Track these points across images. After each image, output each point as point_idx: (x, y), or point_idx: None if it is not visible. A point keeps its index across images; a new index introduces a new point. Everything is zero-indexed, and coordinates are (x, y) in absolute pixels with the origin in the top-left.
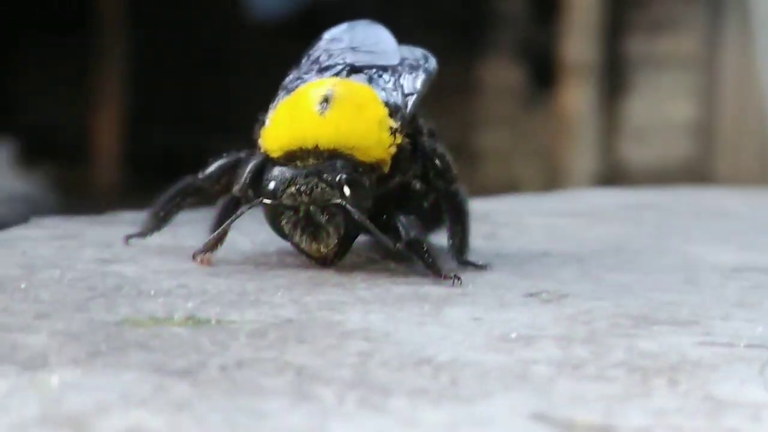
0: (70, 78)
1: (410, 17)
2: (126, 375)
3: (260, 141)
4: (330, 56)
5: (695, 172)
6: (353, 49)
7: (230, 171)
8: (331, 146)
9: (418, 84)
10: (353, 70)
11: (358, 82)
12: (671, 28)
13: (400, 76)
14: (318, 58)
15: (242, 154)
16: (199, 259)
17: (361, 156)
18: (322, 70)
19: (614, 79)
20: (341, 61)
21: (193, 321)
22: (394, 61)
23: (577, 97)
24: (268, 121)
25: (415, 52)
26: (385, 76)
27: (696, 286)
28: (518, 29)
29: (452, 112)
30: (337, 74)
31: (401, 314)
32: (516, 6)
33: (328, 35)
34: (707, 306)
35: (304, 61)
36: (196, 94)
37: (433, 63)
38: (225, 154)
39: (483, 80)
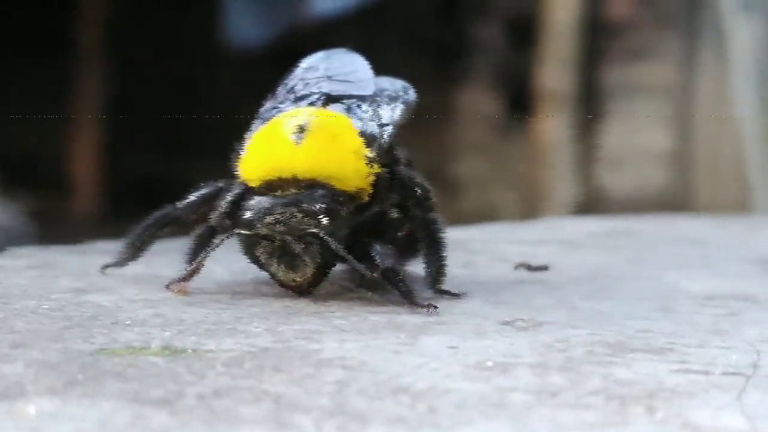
0: (46, 107)
1: (388, 44)
2: (104, 404)
3: (238, 171)
4: (306, 85)
5: (672, 200)
6: (329, 77)
7: (209, 201)
8: (309, 176)
9: (396, 114)
10: (330, 99)
11: (334, 111)
12: (648, 57)
13: (378, 106)
14: (294, 87)
15: (221, 184)
16: (174, 289)
17: (339, 185)
18: (298, 99)
19: (591, 107)
20: (317, 90)
21: (170, 350)
22: (370, 91)
23: (554, 125)
24: (244, 151)
25: (396, 84)
26: (364, 106)
27: (671, 313)
28: (495, 57)
29: (429, 140)
30: (312, 103)
31: (377, 343)
32: (493, 33)
33: (304, 64)
34: (683, 333)
35: (280, 89)
36: (173, 123)
37: (412, 95)
38: (203, 184)
39: (460, 107)
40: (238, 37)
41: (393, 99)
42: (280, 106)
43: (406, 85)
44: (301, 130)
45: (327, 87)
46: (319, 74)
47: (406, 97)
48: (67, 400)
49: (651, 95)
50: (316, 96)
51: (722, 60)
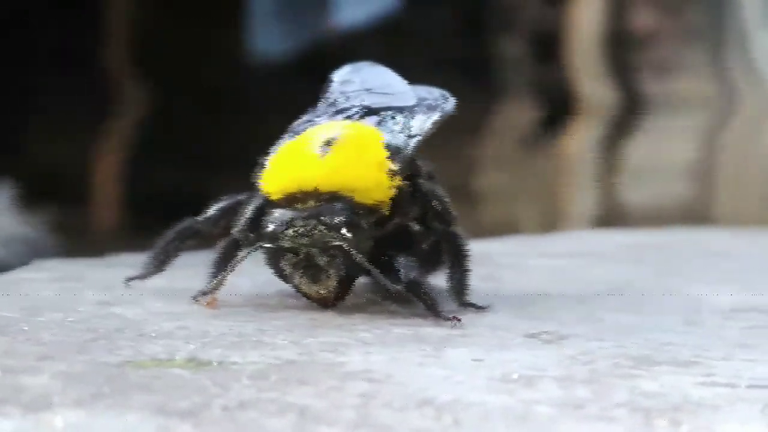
0: (71, 119)
1: (411, 57)
2: (129, 416)
3: (260, 183)
4: (347, 99)
5: (696, 212)
6: (369, 90)
7: (230, 213)
8: (331, 188)
9: (428, 124)
10: (369, 112)
11: (367, 124)
12: (673, 70)
13: (413, 116)
14: (335, 100)
15: (242, 197)
16: (204, 301)
17: (361, 198)
18: (337, 113)
19: (615, 120)
20: (358, 103)
21: (195, 363)
22: (412, 101)
23: (578, 138)
24: (268, 164)
25: (433, 92)
26: (398, 117)
27: (696, 326)
28: (519, 70)
29: (452, 153)
30: (350, 117)
31: (402, 355)
32: (517, 47)
33: (337, 78)
34: (708, 346)
35: (321, 103)
36: (197, 136)
37: (451, 103)
38: (224, 197)
39: (483, 121)
40: (263, 50)
41: (431, 108)
42: (316, 119)
43: (445, 93)
44: (328, 143)
45: (368, 100)
46: (356, 87)
47: (444, 105)
48: (93, 412)
49: (676, 108)
50: (356, 109)
51: (749, 72)
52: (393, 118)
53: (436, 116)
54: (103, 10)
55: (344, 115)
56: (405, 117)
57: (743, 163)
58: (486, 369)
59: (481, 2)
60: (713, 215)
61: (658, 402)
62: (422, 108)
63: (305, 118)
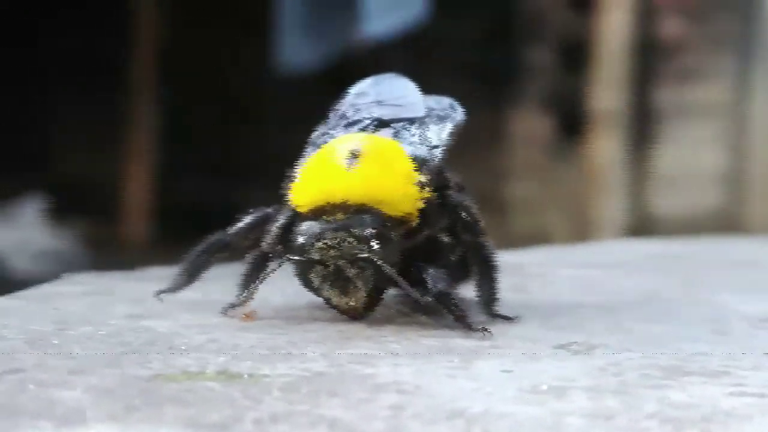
0: (100, 132)
1: (438, 67)
2: (162, 430)
3: (289, 196)
4: (357, 111)
5: (726, 221)
6: (379, 102)
7: (259, 226)
8: (359, 201)
9: (444, 135)
10: (381, 124)
11: (384, 136)
12: (700, 77)
13: (426, 128)
14: (345, 113)
15: (270, 210)
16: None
17: (389, 210)
18: (349, 125)
19: (643, 128)
20: (368, 116)
21: (226, 375)
22: (420, 113)
23: (607, 147)
24: (296, 177)
25: (443, 102)
26: (412, 129)
27: (726, 336)
28: (547, 79)
29: (480, 163)
30: (364, 129)
31: (431, 367)
32: (544, 56)
33: (354, 90)
34: (738, 356)
35: (331, 116)
36: (226, 149)
37: (460, 112)
38: (253, 210)
39: (511, 130)
40: (290, 62)
41: (441, 119)
42: (331, 132)
43: (453, 102)
44: (354, 155)
45: (378, 112)
46: (369, 99)
47: (454, 115)
48: (126, 425)
49: (704, 116)
50: (368, 121)
51: None
52: (407, 129)
53: (449, 126)
54: (129, 21)
55: (357, 127)
56: (418, 128)
57: None
58: (515, 380)
59: (508, 11)
60: (744, 223)
61: (688, 413)
62: (432, 118)
63: (320, 131)
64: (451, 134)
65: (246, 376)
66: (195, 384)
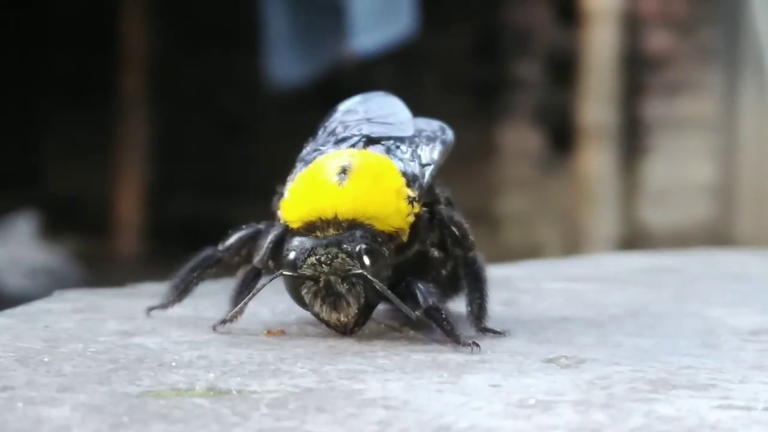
0: (91, 149)
1: (429, 82)
2: None
3: (279, 212)
4: (346, 128)
5: (716, 234)
6: (368, 120)
7: (250, 242)
8: (350, 216)
9: (435, 155)
10: (370, 141)
11: (375, 152)
12: (688, 90)
13: (417, 147)
14: (334, 129)
15: (261, 225)
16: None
17: (379, 225)
18: (339, 142)
19: (633, 141)
20: (357, 132)
21: (215, 392)
22: (409, 132)
23: (596, 160)
24: (286, 193)
25: (432, 124)
26: (403, 147)
27: (714, 349)
28: (536, 93)
29: (470, 177)
30: (353, 145)
31: (420, 382)
32: (533, 70)
33: (342, 107)
34: (725, 369)
35: (320, 132)
36: (216, 165)
37: (450, 135)
38: (244, 226)
39: (501, 144)
40: (280, 79)
41: (431, 140)
42: (321, 148)
43: (443, 125)
44: (344, 171)
45: (367, 129)
46: (358, 117)
47: (443, 137)
48: None
49: (693, 128)
50: (357, 138)
51: (764, 92)
52: (398, 147)
53: (439, 146)
54: (120, 39)
55: (347, 143)
56: (409, 146)
57: (763, 183)
58: (504, 394)
59: (496, 26)
60: (734, 235)
61: (674, 426)
62: (422, 139)
63: (309, 147)
64: (442, 155)
65: (235, 392)
66: (183, 401)
